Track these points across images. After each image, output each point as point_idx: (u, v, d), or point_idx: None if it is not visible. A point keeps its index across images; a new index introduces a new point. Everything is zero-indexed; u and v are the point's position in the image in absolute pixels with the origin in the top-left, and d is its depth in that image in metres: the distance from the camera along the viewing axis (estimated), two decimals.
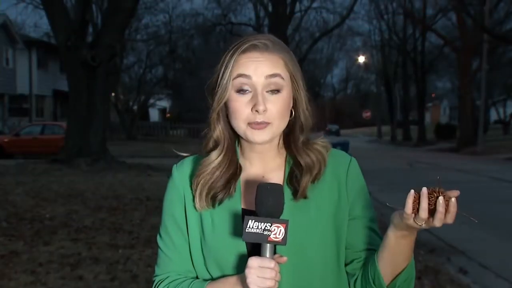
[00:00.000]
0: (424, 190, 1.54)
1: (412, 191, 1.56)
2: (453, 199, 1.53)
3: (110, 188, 14.71)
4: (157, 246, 1.97)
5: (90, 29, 28.38)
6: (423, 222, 1.57)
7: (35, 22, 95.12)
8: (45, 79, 45.82)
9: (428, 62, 55.06)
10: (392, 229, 1.68)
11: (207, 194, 1.83)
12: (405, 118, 61.87)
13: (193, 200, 1.87)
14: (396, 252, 1.72)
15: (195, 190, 1.85)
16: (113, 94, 43.65)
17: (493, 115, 66.31)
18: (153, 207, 11.74)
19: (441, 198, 1.52)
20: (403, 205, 1.57)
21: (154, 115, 72.59)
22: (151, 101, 61.26)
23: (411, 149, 44.48)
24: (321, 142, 1.90)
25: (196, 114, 54.72)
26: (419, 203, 1.55)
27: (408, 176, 21.26)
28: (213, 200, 1.84)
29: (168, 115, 72.85)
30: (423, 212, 1.54)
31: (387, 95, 66.38)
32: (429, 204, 1.54)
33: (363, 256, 1.86)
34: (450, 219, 1.55)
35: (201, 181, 1.84)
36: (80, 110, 20.48)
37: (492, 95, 56.91)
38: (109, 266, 7.33)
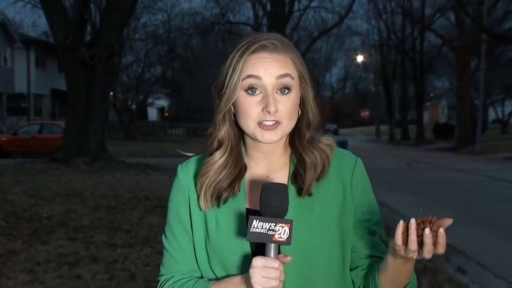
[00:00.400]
0: (412, 221, 1.52)
1: (402, 221, 1.54)
2: (441, 230, 1.50)
3: (109, 187, 14.70)
4: (160, 245, 1.97)
5: (89, 28, 28.37)
6: (414, 254, 1.55)
7: (34, 21, 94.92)
8: (43, 78, 45.83)
9: (426, 61, 55.10)
10: (390, 256, 1.66)
11: (212, 194, 1.83)
12: (404, 117, 61.87)
13: (198, 200, 1.87)
14: (396, 275, 1.71)
15: (200, 190, 1.85)
16: (111, 93, 43.65)
17: (491, 115, 66.36)
18: (151, 206, 11.74)
19: (427, 230, 1.50)
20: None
21: (152, 114, 72.64)
22: (150, 100, 61.29)
23: (410, 149, 44.51)
24: (325, 141, 1.89)
25: (195, 113, 54.74)
26: (408, 235, 1.53)
27: (406, 175, 21.27)
28: (218, 199, 1.84)
29: (166, 114, 72.82)
30: (412, 244, 1.53)
31: (385, 95, 66.34)
32: (418, 236, 1.52)
33: (366, 264, 1.86)
34: (440, 249, 1.53)
35: (205, 181, 1.84)
36: (78, 110, 20.47)
37: (491, 95, 56.96)
38: (107, 265, 7.32)
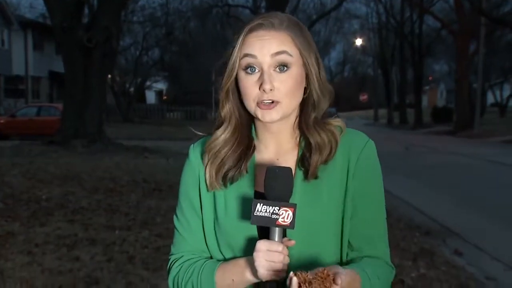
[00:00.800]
0: (294, 281, 1.54)
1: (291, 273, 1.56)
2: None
3: (107, 170, 14.72)
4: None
5: (86, 11, 28.20)
6: None
7: (31, 3, 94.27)
8: (41, 60, 45.71)
9: (425, 45, 54.95)
10: None
11: (217, 172, 1.84)
12: (402, 101, 61.77)
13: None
14: None
15: (205, 168, 1.86)
16: (109, 76, 43.55)
17: (490, 98, 66.32)
18: (149, 189, 11.76)
19: None
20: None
21: (150, 97, 72.52)
22: (148, 83, 61.15)
23: (408, 132, 44.45)
24: (335, 122, 1.86)
25: (193, 96, 54.65)
26: None
27: (405, 159, 21.28)
28: (224, 179, 1.84)
29: (164, 97, 72.69)
30: None
31: (384, 78, 66.26)
32: None
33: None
34: None
35: (210, 159, 1.85)
36: (76, 92, 20.44)
37: (489, 78, 56.90)
38: (105, 247, 7.35)
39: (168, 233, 7.86)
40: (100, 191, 11.51)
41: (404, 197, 12.16)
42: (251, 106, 1.78)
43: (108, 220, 8.91)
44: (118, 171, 14.61)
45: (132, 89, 54.58)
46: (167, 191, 11.37)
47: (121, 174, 13.92)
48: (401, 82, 61.63)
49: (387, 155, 22.23)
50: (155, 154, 19.54)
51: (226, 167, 1.83)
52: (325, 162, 1.80)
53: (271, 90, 1.73)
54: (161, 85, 69.76)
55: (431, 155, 23.19)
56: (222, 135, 1.84)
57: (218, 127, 1.87)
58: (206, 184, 1.87)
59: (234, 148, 1.84)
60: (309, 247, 1.77)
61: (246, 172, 1.85)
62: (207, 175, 1.85)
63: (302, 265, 1.73)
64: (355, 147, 1.84)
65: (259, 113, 1.76)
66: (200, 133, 1.98)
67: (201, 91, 56.22)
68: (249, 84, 1.76)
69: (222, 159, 1.84)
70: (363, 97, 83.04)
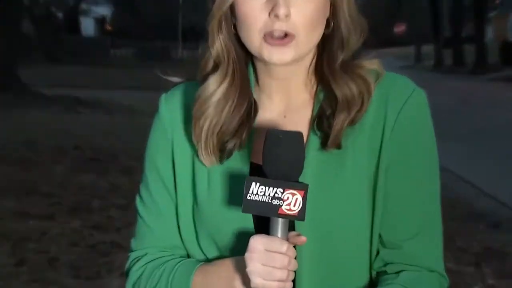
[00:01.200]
0: None
1: None
2: None
3: (20, 130, 14.78)
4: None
5: None
6: None
7: None
8: None
9: None
10: None
11: (217, 144, 1.79)
12: (456, 33, 61.96)
13: (185, 148, 1.88)
14: None
15: (198, 140, 1.81)
16: None
17: None
18: (83, 159, 11.83)
19: None
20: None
21: (88, 27, 72.83)
22: (84, 6, 61.31)
23: (465, 79, 44.80)
24: (369, 64, 1.85)
25: (150, 27, 54.89)
26: None
27: (458, 119, 21.28)
28: (222, 153, 1.82)
29: (109, 27, 73.13)
30: None
31: (429, 1, 66.47)
32: None
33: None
34: None
35: (205, 126, 1.78)
36: None
37: None
38: (14, 244, 7.30)
39: (109, 224, 7.91)
40: (8, 161, 11.50)
41: (458, 171, 12.14)
42: (254, 40, 1.75)
43: (19, 205, 8.87)
44: (37, 132, 14.63)
45: (60, 14, 54.64)
46: (109, 162, 11.42)
47: (42, 138, 13.95)
48: (455, 7, 61.79)
49: (433, 113, 21.98)
50: (92, 108, 19.73)
51: (225, 136, 1.81)
52: (352, 122, 1.77)
53: (286, 16, 1.69)
54: (103, 10, 70.07)
55: (497, 112, 23.22)
56: (219, 88, 1.79)
57: (208, 73, 1.83)
58: (184, 154, 1.87)
59: (236, 106, 1.80)
60: (327, 246, 1.76)
61: (247, 139, 1.84)
62: (202, 149, 1.81)
63: (316, 272, 1.76)
64: (395, 99, 1.81)
65: (265, 50, 1.73)
66: (174, 79, 1.96)
67: (163, 19, 56.54)
68: (254, 9, 1.73)
69: (222, 125, 1.78)
70: (399, 28, 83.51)
